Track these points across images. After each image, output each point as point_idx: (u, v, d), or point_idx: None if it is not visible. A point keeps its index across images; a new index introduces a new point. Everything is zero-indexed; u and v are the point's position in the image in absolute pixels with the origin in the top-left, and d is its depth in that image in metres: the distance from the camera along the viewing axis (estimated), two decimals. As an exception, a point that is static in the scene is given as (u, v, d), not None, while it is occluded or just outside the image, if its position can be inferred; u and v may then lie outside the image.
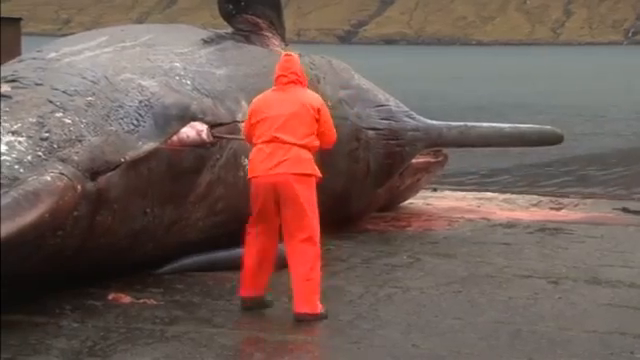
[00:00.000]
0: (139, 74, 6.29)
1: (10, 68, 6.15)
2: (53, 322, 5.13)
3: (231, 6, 7.52)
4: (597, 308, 5.83)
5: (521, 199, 9.97)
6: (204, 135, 6.12)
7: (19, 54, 8.31)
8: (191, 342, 4.95)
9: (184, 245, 6.09)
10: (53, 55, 6.40)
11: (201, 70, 6.69)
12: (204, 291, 5.85)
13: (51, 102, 5.69)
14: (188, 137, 6.08)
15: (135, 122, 5.92)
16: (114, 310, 5.38)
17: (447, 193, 9.69)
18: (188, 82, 6.46)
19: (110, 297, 5.52)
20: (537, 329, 5.34)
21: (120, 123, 5.85)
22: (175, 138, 6.03)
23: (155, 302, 5.54)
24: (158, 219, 5.92)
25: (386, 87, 8.69)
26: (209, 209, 6.30)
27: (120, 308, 5.41)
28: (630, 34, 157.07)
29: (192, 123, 6.08)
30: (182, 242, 6.09)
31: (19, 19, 10.90)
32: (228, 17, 7.53)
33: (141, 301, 5.54)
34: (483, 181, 11.42)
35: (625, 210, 9.23)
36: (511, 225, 8.20)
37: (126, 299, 5.53)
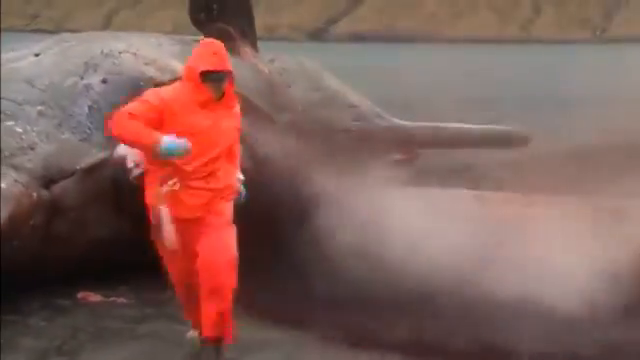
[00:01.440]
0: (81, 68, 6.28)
1: None
2: (21, 320, 5.13)
3: (203, 14, 7.52)
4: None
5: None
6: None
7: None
8: (161, 340, 4.97)
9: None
10: None
11: (162, 59, 6.71)
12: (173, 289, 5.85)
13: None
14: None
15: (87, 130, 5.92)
16: (83, 309, 5.38)
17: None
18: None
19: (79, 296, 5.52)
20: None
21: (72, 131, 5.86)
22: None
23: (125, 300, 5.55)
24: (116, 228, 5.88)
25: (357, 86, 8.72)
26: None
27: (89, 307, 5.42)
28: (598, 32, 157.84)
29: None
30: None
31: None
32: (199, 24, 7.55)
33: (110, 299, 5.54)
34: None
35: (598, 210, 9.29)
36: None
37: (95, 297, 5.53)
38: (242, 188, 5.27)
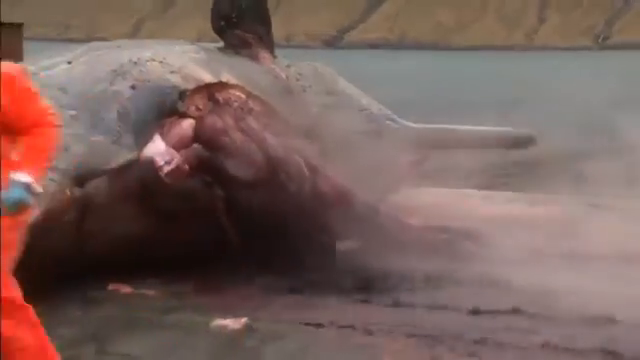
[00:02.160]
0: (109, 75, 6.31)
1: None
2: (57, 311, 5.15)
3: (223, 22, 7.55)
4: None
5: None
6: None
7: (21, 59, 8.29)
8: (185, 329, 5.01)
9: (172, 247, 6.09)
10: (30, 69, 6.44)
11: (187, 66, 6.72)
12: (202, 281, 5.88)
13: None
14: None
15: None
16: (114, 300, 5.46)
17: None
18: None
19: (110, 287, 5.59)
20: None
21: (103, 134, 5.92)
22: None
23: (153, 292, 5.60)
24: (141, 224, 5.94)
25: (369, 90, 8.74)
26: None
27: (120, 298, 5.49)
28: (600, 39, 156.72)
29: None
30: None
31: (21, 24, 10.82)
32: (220, 32, 7.57)
33: (139, 291, 5.60)
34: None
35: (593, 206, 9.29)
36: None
37: (126, 289, 5.60)
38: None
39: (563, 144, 16.08)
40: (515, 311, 5.55)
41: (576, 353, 4.86)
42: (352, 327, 5.17)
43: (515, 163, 13.09)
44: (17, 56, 8.66)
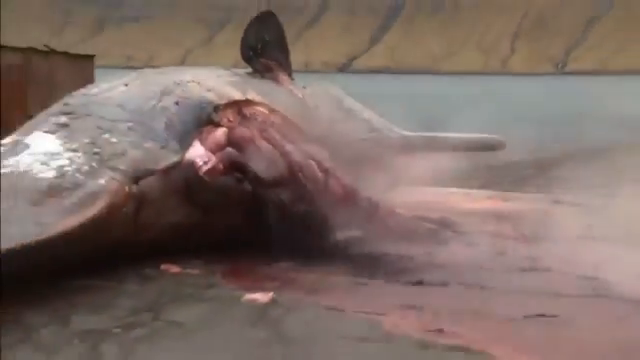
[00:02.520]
0: (159, 94, 6.33)
1: (66, 102, 6.19)
2: (118, 286, 5.20)
3: (251, 52, 7.59)
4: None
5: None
6: None
7: (92, 83, 8.36)
8: (223, 302, 5.01)
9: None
10: (96, 91, 6.48)
11: (221, 87, 6.72)
12: (236, 262, 5.89)
13: (99, 127, 5.82)
14: None
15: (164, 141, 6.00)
16: (166, 277, 5.46)
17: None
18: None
19: (162, 267, 5.59)
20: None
21: (153, 141, 5.94)
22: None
23: (197, 271, 5.60)
24: (185, 215, 5.95)
25: (372, 107, 8.77)
26: None
27: (170, 276, 5.50)
28: (559, 67, 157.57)
29: None
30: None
31: (93, 56, 10.84)
32: (248, 60, 7.62)
33: (186, 270, 5.60)
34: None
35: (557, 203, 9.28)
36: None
37: (175, 268, 5.60)
38: None
39: (530, 151, 16.05)
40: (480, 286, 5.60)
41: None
42: (356, 299, 5.18)
43: (491, 167, 13.07)
44: (89, 81, 8.68)
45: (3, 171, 5.34)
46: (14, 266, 4.73)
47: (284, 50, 7.87)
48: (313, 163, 6.43)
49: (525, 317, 4.89)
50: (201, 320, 4.69)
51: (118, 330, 4.47)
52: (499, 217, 8.07)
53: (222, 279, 5.46)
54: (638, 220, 7.87)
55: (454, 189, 9.99)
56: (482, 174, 12.35)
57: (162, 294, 5.07)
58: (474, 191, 10.21)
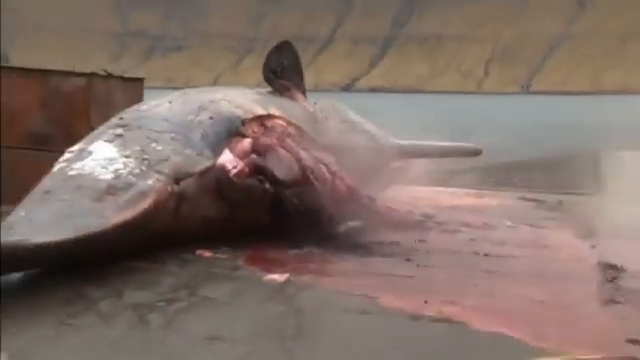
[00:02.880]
0: (196, 110, 6.28)
1: (121, 117, 6.16)
2: (161, 267, 5.19)
3: (272, 75, 7.59)
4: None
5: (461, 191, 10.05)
6: None
7: (141, 101, 8.37)
8: (248, 282, 4.99)
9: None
10: (145, 108, 6.48)
11: (247, 104, 6.68)
12: (258, 248, 5.86)
13: (148, 137, 5.79)
14: None
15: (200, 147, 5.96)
16: (200, 260, 5.42)
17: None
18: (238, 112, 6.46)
19: (197, 252, 5.55)
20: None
21: (191, 149, 5.89)
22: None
23: (225, 256, 5.57)
24: (216, 210, 5.92)
25: (371, 119, 8.76)
26: None
27: (204, 259, 5.46)
28: (524, 88, 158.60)
29: None
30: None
31: (142, 78, 10.82)
32: (269, 81, 7.61)
33: (216, 255, 5.57)
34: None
35: (523, 199, 9.29)
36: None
37: (207, 253, 5.56)
38: None
39: (502, 157, 16.03)
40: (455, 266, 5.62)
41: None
42: (357, 279, 5.16)
43: (470, 169, 13.05)
44: (140, 99, 8.70)
45: (71, 173, 5.34)
46: (79, 251, 4.76)
47: (299, 73, 7.87)
48: (322, 167, 6.43)
49: (490, 288, 4.91)
50: (229, 296, 4.68)
51: (162, 303, 4.47)
52: (473, 211, 8.07)
53: (246, 262, 5.43)
54: (587, 212, 7.93)
55: (439, 188, 9.98)
56: (461, 176, 12.31)
57: (197, 274, 5.07)
58: (455, 189, 10.20)
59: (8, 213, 5.01)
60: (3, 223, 4.81)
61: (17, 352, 3.58)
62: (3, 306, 4.15)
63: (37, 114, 9.12)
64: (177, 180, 5.60)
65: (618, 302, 4.78)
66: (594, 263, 5.77)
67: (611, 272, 5.49)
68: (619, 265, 5.62)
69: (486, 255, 5.98)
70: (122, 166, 5.42)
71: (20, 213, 4.94)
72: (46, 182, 5.30)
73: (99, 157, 5.50)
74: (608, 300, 4.84)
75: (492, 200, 9.15)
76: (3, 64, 13.76)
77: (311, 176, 6.25)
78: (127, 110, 6.43)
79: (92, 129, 6.32)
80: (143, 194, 5.27)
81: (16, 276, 4.67)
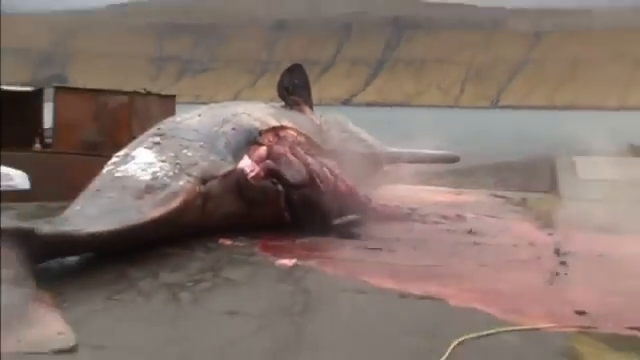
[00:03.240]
0: (220, 122, 6.23)
1: (158, 127, 6.14)
2: (190, 254, 5.16)
3: (284, 92, 7.55)
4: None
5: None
6: None
7: (174, 115, 8.39)
8: (263, 265, 4.96)
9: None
10: (178, 120, 6.44)
11: (263, 117, 6.62)
12: (271, 238, 5.82)
13: (180, 145, 5.76)
14: None
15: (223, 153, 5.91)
16: (222, 248, 5.39)
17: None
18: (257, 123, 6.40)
19: (219, 241, 5.51)
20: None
21: (216, 156, 5.85)
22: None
23: (243, 244, 5.54)
24: (236, 206, 5.88)
25: (367, 130, 8.74)
26: None
27: (225, 247, 5.43)
28: (493, 103, 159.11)
29: None
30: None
31: (174, 95, 10.83)
32: (282, 97, 7.56)
33: (235, 243, 5.53)
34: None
35: (493, 196, 9.29)
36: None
37: (228, 242, 5.53)
38: None
39: (475, 161, 15.97)
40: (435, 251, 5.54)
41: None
42: (353, 263, 5.14)
43: (449, 172, 12.97)
44: (172, 113, 8.72)
45: (116, 175, 5.35)
46: (122, 240, 4.76)
47: (307, 90, 7.84)
48: (326, 170, 6.40)
49: (466, 270, 4.91)
50: (246, 277, 4.66)
51: (190, 283, 4.46)
52: (451, 205, 8.05)
53: (260, 250, 5.40)
54: (545, 207, 7.90)
55: (423, 187, 9.95)
56: (442, 177, 12.26)
57: (220, 259, 5.04)
58: (436, 188, 10.16)
59: (65, 208, 5.06)
60: (61, 216, 4.86)
61: (74, 321, 3.58)
62: (63, 284, 4.17)
63: (89, 126, 9.20)
64: (204, 181, 5.57)
65: (568, 280, 4.81)
66: (550, 248, 5.79)
67: (564, 255, 5.50)
68: (570, 250, 5.65)
69: (461, 242, 5.96)
70: (158, 169, 5.41)
71: (75, 207, 4.98)
72: (96, 182, 5.33)
73: (140, 161, 5.49)
74: (560, 277, 4.86)
75: (468, 197, 9.11)
76: (62, 85, 13.85)
77: (316, 178, 6.21)
78: (164, 121, 6.42)
79: (133, 138, 6.33)
80: (175, 193, 5.26)
81: (72, 259, 4.70)
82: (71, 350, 3.25)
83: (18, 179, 7.58)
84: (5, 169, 7.61)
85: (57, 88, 9.81)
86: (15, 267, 3.78)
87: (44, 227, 4.34)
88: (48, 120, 9.73)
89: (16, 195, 7.24)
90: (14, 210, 6.34)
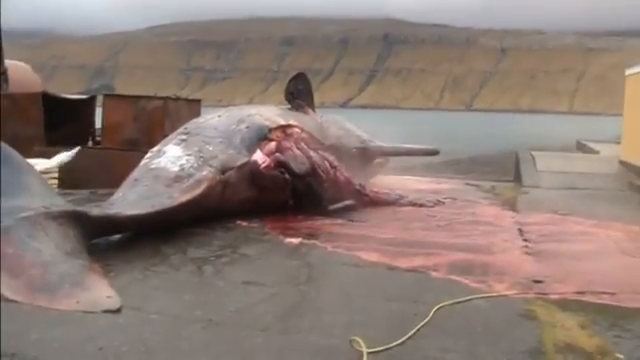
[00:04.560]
0: (237, 122, 6.17)
1: (185, 127, 6.10)
2: (211, 233, 5.11)
3: (290, 95, 7.49)
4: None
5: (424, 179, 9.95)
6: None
7: (199, 116, 8.32)
8: (275, 244, 4.92)
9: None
10: (201, 120, 6.38)
11: (273, 117, 6.57)
12: (280, 220, 5.76)
13: (203, 141, 5.71)
14: None
15: (238, 148, 5.85)
16: (239, 229, 5.35)
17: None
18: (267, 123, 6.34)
19: (237, 222, 5.48)
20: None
21: (233, 149, 5.79)
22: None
23: (256, 225, 5.49)
24: (251, 193, 5.81)
25: (361, 127, 8.68)
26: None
27: (241, 228, 5.38)
28: (468, 106, 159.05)
29: None
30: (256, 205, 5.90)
31: (200, 100, 10.77)
32: (289, 100, 7.49)
33: (250, 224, 5.48)
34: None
35: (467, 184, 9.23)
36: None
37: (244, 223, 5.48)
38: None
39: (452, 155, 15.91)
40: (419, 231, 5.45)
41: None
42: (350, 241, 5.10)
43: (430, 164, 12.92)
44: (198, 115, 8.69)
45: (151, 167, 5.32)
46: (156, 221, 4.76)
47: (310, 95, 7.77)
48: (326, 162, 6.35)
49: (445, 246, 4.87)
50: (259, 253, 4.62)
51: (212, 258, 4.42)
52: (433, 192, 7.99)
53: (271, 230, 5.35)
54: (510, 194, 7.85)
55: (409, 177, 9.91)
56: (424, 168, 12.21)
57: (237, 238, 5.00)
58: (420, 177, 10.11)
59: (111, 195, 5.07)
60: (108, 201, 4.89)
61: (119, 288, 3.58)
62: (109, 257, 4.17)
63: (130, 126, 9.19)
64: (223, 172, 5.52)
65: (529, 254, 4.78)
66: (515, 228, 5.75)
67: (525, 233, 5.47)
68: (531, 228, 5.63)
69: (442, 223, 5.90)
70: (185, 162, 5.37)
71: (119, 194, 4.98)
72: (135, 173, 5.31)
73: (170, 155, 5.45)
74: (522, 252, 4.83)
75: (446, 185, 9.06)
76: (109, 92, 14.04)
77: (318, 169, 6.16)
78: (190, 122, 6.38)
79: (165, 136, 6.29)
80: (199, 182, 5.23)
81: (116, 237, 4.69)
82: (117, 311, 3.33)
83: (67, 155, 7.98)
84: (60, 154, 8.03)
85: (105, 95, 9.94)
86: (72, 242, 3.85)
87: (94, 210, 4.42)
88: (98, 122, 9.89)
89: (74, 182, 7.43)
90: (72, 196, 6.34)
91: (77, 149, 8.28)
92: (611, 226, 5.76)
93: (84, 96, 11.02)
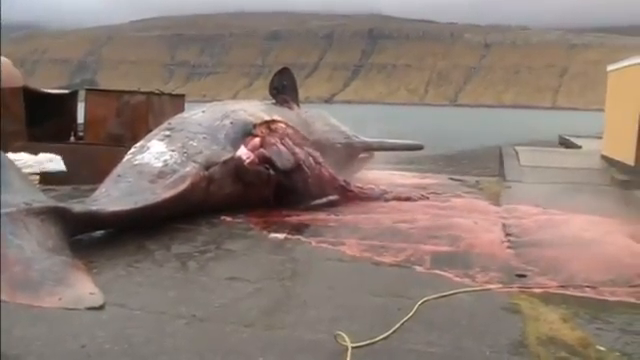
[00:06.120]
0: (221, 117, 6.14)
1: (169, 122, 6.06)
2: (196, 229, 5.10)
3: (275, 91, 7.46)
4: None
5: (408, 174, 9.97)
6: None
7: (182, 112, 8.22)
8: (259, 239, 4.90)
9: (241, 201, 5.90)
10: (185, 115, 6.35)
11: (257, 113, 6.54)
12: (264, 215, 5.76)
13: (187, 137, 5.68)
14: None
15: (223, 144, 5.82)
16: (224, 224, 5.33)
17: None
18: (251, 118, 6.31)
19: (221, 218, 5.46)
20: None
21: (217, 145, 5.76)
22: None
23: (241, 220, 5.48)
24: (235, 188, 5.80)
25: (345, 123, 8.66)
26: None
27: (226, 223, 5.36)
28: (452, 102, 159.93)
29: None
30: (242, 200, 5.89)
31: (184, 95, 10.69)
32: (273, 96, 7.47)
33: (235, 220, 5.47)
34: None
35: (451, 179, 9.26)
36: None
37: (229, 219, 5.47)
38: None
39: (437, 150, 15.97)
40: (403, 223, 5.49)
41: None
42: (334, 236, 5.10)
43: (415, 159, 12.97)
44: (181, 110, 8.61)
45: (135, 162, 5.29)
46: (140, 217, 4.73)
47: (294, 90, 7.75)
48: (311, 158, 6.34)
49: (430, 241, 4.86)
50: (244, 249, 4.61)
51: (197, 254, 4.41)
52: (416, 187, 8.01)
53: (256, 225, 5.33)
54: (494, 188, 7.89)
55: (393, 171, 9.94)
56: (408, 163, 12.25)
57: (221, 233, 4.98)
58: (404, 172, 10.13)
59: (94, 190, 5.02)
60: (91, 197, 4.84)
61: (102, 285, 3.56)
62: (92, 254, 4.13)
63: (113, 121, 9.12)
64: (207, 167, 5.51)
65: (512, 248, 4.81)
66: (498, 221, 5.79)
67: (508, 227, 5.50)
68: (514, 223, 5.66)
69: (426, 218, 5.92)
70: (169, 157, 5.35)
71: (102, 190, 4.94)
72: (118, 168, 5.27)
73: (154, 151, 5.43)
74: (506, 246, 4.86)
75: (430, 180, 9.08)
76: (91, 87, 13.93)
77: (302, 164, 6.16)
78: (174, 117, 6.35)
79: (149, 131, 6.26)
80: (183, 177, 5.21)
81: (99, 233, 4.66)
82: (100, 308, 3.31)
83: (55, 163, 7.65)
84: (45, 155, 7.70)
85: (88, 90, 9.82)
86: (55, 239, 3.81)
87: (76, 206, 4.37)
88: (81, 117, 9.77)
89: (56, 179, 7.26)
90: (54, 192, 6.27)
91: (60, 158, 7.90)
92: (593, 220, 5.82)
93: (66, 91, 10.81)
